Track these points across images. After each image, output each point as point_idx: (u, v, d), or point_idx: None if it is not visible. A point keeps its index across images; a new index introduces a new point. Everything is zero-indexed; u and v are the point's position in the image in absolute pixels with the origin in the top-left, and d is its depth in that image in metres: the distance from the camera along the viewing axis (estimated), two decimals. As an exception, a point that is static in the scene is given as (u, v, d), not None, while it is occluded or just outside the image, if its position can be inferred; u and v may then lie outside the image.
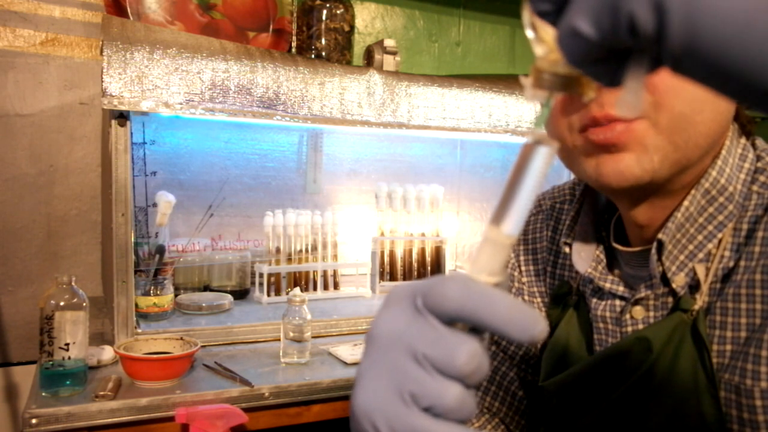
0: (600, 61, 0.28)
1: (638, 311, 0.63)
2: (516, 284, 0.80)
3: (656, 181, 0.56)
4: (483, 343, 0.33)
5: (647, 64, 0.28)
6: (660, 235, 0.59)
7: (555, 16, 0.28)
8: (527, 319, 0.31)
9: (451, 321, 0.33)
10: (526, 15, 0.32)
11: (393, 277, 1.80)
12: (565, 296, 0.73)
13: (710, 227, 0.59)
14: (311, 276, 1.66)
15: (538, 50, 0.33)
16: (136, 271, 1.30)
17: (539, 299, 0.78)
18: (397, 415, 0.32)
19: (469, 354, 0.31)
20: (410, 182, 1.83)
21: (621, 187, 0.57)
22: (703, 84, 0.27)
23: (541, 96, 0.33)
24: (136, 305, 1.30)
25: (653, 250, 0.59)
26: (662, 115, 0.53)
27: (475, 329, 0.33)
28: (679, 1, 0.24)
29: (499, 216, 0.33)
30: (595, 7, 0.26)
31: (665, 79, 0.53)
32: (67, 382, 1.02)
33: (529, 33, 0.33)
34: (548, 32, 0.31)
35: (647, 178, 0.55)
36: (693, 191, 0.59)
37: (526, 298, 0.79)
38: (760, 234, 0.57)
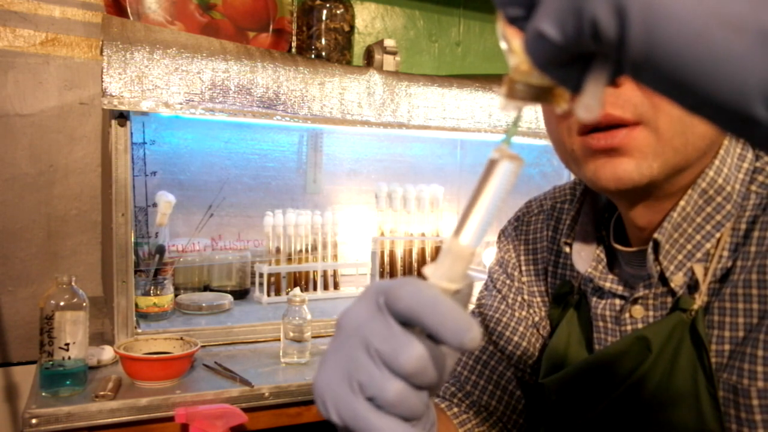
0: (566, 65, 0.28)
1: (637, 310, 0.63)
2: (516, 284, 0.80)
3: (654, 184, 0.56)
4: (439, 352, 0.35)
5: (610, 69, 0.28)
6: (656, 235, 0.59)
7: (525, 21, 0.28)
8: (461, 326, 0.33)
9: (406, 322, 0.35)
10: (499, 26, 0.32)
11: (393, 277, 1.80)
12: (567, 296, 0.73)
13: (708, 227, 0.59)
14: (311, 276, 1.66)
15: (511, 61, 0.33)
16: (136, 271, 1.30)
17: (539, 299, 0.78)
18: (344, 399, 0.35)
19: (412, 355, 0.33)
20: (410, 182, 1.83)
21: (618, 190, 0.57)
22: (663, 94, 0.26)
23: (515, 106, 0.34)
24: (136, 305, 1.30)
25: (649, 250, 0.59)
26: (661, 118, 0.53)
27: (432, 337, 0.34)
28: (639, 7, 0.24)
29: (459, 228, 0.35)
30: (560, 11, 0.26)
31: None
32: (67, 382, 1.02)
33: (502, 44, 0.33)
34: (518, 44, 0.32)
35: (645, 182, 0.56)
36: (690, 191, 0.59)
37: (526, 297, 0.79)
38: (756, 234, 0.57)
